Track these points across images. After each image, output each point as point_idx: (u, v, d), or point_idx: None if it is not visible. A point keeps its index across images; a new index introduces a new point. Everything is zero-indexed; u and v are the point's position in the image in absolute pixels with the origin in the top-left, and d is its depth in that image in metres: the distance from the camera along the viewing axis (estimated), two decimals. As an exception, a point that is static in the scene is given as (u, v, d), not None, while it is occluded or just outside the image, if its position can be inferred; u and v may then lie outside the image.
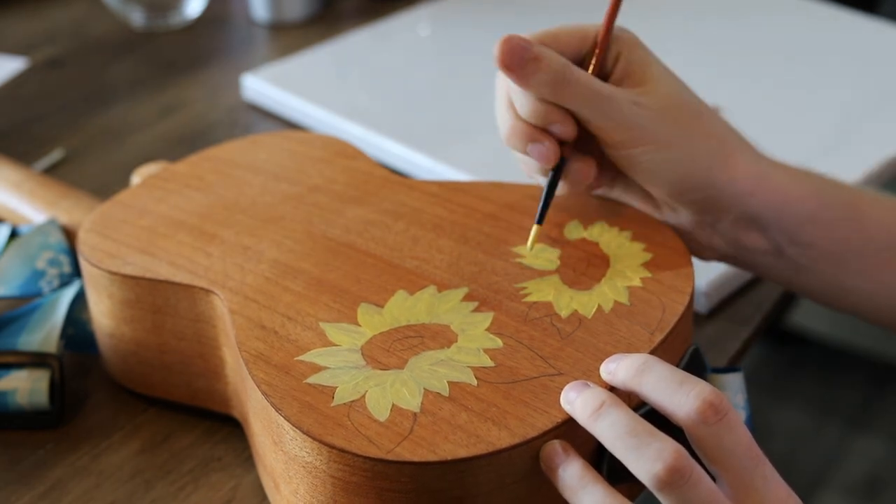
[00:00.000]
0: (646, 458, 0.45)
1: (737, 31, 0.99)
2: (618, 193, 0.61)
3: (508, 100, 0.58)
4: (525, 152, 0.57)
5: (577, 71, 0.56)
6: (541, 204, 0.58)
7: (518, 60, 0.55)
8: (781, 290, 0.71)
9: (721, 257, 0.60)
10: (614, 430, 0.46)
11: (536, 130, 0.57)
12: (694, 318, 0.67)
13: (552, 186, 0.58)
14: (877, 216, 0.59)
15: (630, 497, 0.52)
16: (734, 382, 0.56)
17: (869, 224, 0.59)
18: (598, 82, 0.56)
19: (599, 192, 0.62)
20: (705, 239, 0.59)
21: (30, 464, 0.58)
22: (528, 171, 0.60)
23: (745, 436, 0.46)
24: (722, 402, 0.46)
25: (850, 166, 0.78)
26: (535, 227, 0.57)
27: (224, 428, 0.60)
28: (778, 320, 1.72)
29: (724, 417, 0.46)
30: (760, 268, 0.60)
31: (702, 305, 0.68)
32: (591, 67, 0.58)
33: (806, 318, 1.74)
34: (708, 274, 0.68)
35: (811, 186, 0.58)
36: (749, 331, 0.67)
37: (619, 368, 0.49)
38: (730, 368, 0.56)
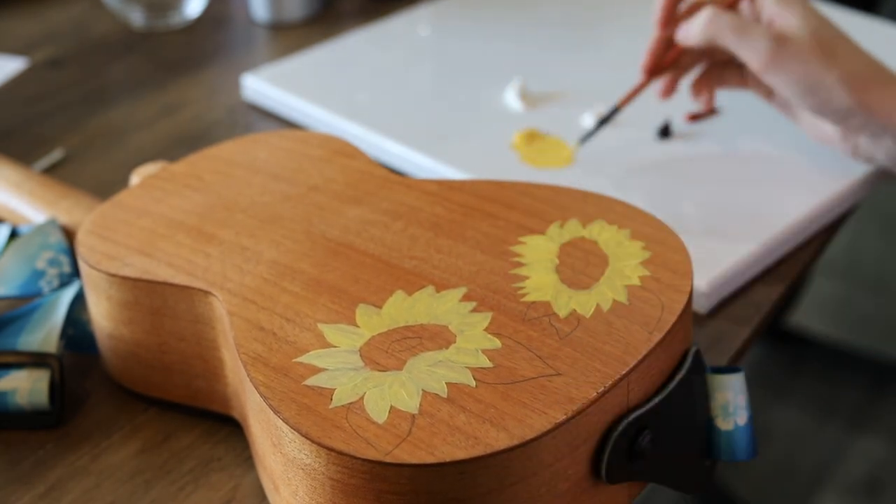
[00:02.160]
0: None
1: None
2: (768, 97, 0.78)
3: None
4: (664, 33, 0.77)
5: (720, 15, 0.72)
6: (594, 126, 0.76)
7: (670, 16, 0.77)
8: (781, 290, 0.71)
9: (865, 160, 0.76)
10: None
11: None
12: (694, 318, 0.68)
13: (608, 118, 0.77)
14: None
15: (630, 497, 0.53)
16: (735, 383, 0.55)
17: None
18: (740, 20, 0.71)
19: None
20: (850, 149, 0.75)
21: (30, 464, 0.58)
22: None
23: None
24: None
25: (849, 166, 0.78)
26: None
27: (224, 428, 0.60)
28: (778, 320, 1.72)
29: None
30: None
31: (701, 305, 0.68)
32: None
33: (806, 318, 1.73)
34: (708, 274, 0.68)
35: None
36: (749, 331, 0.67)
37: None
38: (731, 368, 0.56)
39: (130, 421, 0.61)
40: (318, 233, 0.60)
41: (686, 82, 0.81)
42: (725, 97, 0.86)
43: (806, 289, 1.70)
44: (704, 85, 0.79)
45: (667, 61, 0.78)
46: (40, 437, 0.60)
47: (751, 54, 0.71)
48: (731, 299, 0.70)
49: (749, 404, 0.56)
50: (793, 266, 0.73)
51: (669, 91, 0.80)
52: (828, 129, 0.75)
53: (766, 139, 0.82)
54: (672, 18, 0.77)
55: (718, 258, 0.69)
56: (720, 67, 0.79)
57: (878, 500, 1.52)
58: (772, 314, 0.70)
